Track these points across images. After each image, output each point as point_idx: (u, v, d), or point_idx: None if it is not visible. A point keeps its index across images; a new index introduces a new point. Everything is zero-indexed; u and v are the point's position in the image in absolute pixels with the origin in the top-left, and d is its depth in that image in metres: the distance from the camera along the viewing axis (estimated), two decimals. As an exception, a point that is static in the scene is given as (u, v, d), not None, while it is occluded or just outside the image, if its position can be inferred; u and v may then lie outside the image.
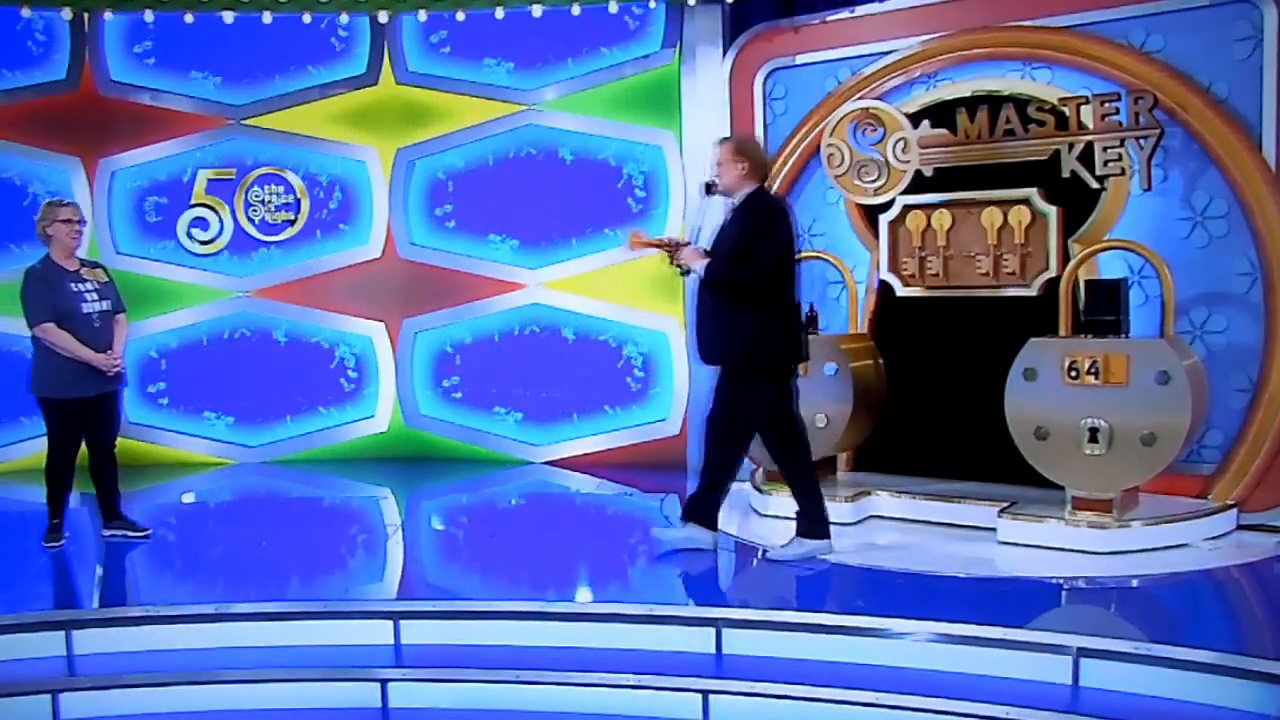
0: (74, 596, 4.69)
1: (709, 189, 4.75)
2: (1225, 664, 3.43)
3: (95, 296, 5.02)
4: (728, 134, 4.93)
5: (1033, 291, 5.23)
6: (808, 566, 4.62)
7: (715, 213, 4.83)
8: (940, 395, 5.65)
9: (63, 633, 4.14)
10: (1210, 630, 3.91)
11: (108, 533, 5.28)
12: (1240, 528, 4.97)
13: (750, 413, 4.68)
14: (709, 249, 4.69)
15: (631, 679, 3.88)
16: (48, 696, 3.93)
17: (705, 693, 3.81)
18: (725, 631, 4.01)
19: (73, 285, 4.97)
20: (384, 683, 3.99)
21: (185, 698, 4.00)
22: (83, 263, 5.12)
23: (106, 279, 5.16)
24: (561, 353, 7.21)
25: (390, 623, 4.20)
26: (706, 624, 4.04)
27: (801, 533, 4.72)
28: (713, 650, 4.01)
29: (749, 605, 4.20)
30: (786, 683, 3.75)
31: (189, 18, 6.83)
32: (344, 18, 7.13)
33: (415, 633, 4.20)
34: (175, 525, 5.95)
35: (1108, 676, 3.57)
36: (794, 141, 6.14)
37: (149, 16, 6.91)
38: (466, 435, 7.47)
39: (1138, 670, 3.53)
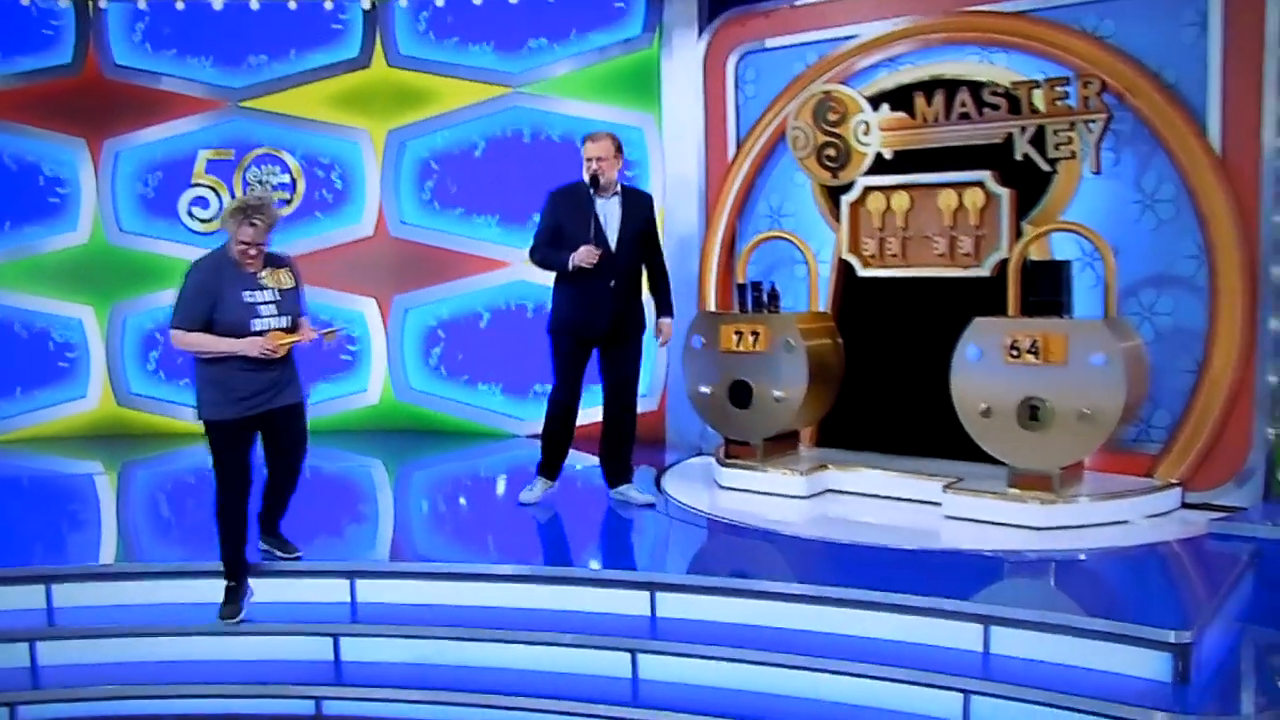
0: (58, 551, 4.97)
1: (595, 185, 5.02)
2: (1122, 632, 3.57)
3: (272, 310, 4.13)
4: (602, 129, 5.29)
5: (986, 272, 5.35)
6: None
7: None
8: (900, 373, 5.78)
9: (43, 586, 4.44)
10: (1121, 601, 4.08)
11: (262, 546, 4.55)
12: (1185, 506, 5.07)
13: (633, 373, 5.31)
14: (618, 243, 5.06)
15: (570, 638, 4.11)
16: (25, 645, 4.23)
17: (634, 651, 4.03)
18: (659, 595, 4.23)
19: (245, 294, 4.08)
20: (336, 637, 4.25)
21: (157, 648, 4.28)
22: (267, 260, 4.17)
23: (292, 283, 4.25)
24: (545, 329, 7.40)
25: (346, 581, 4.46)
26: (641, 587, 4.26)
27: (631, 479, 5.43)
28: (647, 613, 4.23)
29: (695, 573, 4.42)
30: (711, 644, 3.96)
31: (180, 4, 7.16)
32: (330, 3, 7.37)
33: (369, 591, 4.46)
34: (179, 493, 6.26)
35: (1017, 644, 3.73)
36: (763, 124, 6.27)
37: (142, 4, 7.23)
38: (454, 409, 7.72)
39: (1044, 638, 3.69)
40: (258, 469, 4.32)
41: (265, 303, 4.12)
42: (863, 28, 5.90)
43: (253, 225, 4.03)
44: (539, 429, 7.36)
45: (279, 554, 4.52)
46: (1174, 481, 5.10)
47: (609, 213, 5.07)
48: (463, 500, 6.13)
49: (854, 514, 5.19)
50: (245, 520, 4.24)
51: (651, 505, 5.30)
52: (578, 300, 5.08)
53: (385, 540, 5.30)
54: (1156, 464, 5.18)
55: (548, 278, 7.43)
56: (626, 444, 5.40)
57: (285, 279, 4.23)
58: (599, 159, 5.02)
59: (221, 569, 4.27)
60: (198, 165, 7.60)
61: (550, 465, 5.42)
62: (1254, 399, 4.97)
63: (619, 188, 5.13)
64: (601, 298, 5.04)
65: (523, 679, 4.05)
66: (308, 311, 4.40)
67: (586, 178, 5.06)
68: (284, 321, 4.17)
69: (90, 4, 7.40)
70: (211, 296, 4.03)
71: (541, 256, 5.17)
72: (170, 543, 5.21)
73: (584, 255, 4.93)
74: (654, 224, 5.28)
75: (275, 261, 4.22)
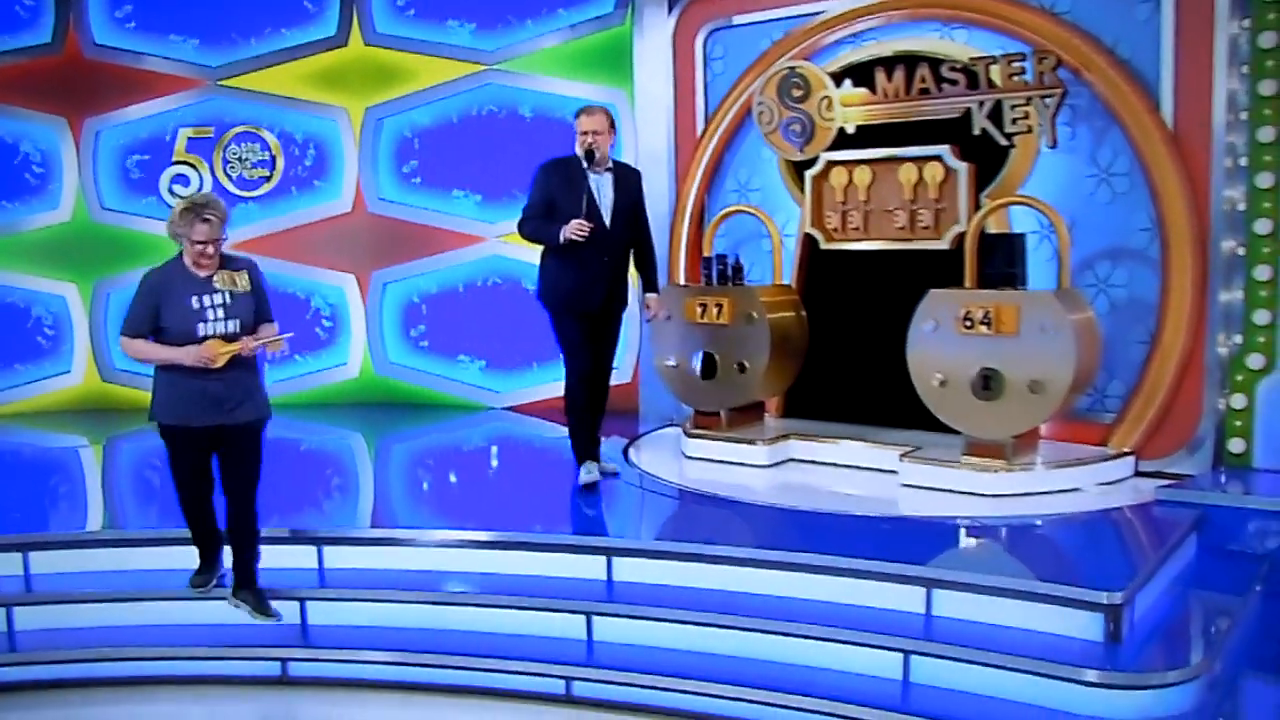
0: (39, 521, 5.10)
1: (591, 159, 4.98)
2: (1056, 594, 3.70)
3: (220, 314, 3.96)
4: (597, 104, 5.17)
5: (945, 245, 5.44)
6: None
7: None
8: (863, 345, 5.87)
9: (20, 554, 4.58)
10: (1061, 565, 4.21)
11: (233, 601, 4.24)
12: (1139, 474, 5.18)
13: (613, 350, 5.33)
14: (611, 218, 5.02)
15: (525, 601, 4.25)
16: (2, 610, 4.37)
17: (589, 614, 4.17)
18: (615, 559, 4.36)
19: (193, 300, 3.93)
20: (303, 601, 4.38)
21: (130, 613, 4.42)
22: (224, 262, 4.02)
23: (248, 286, 4.05)
24: (522, 303, 7.53)
25: (314, 548, 4.59)
26: (599, 552, 4.39)
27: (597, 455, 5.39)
28: (604, 577, 4.36)
29: (653, 539, 4.55)
30: (663, 607, 4.09)
31: None
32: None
33: (336, 558, 4.59)
34: (162, 466, 6.37)
35: (958, 606, 3.85)
36: (731, 99, 6.35)
37: None
38: (433, 382, 7.85)
39: (984, 600, 3.81)
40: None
41: (214, 306, 3.95)
42: (828, 4, 5.96)
43: (206, 221, 3.88)
44: (516, 401, 7.63)
45: (256, 614, 4.21)
46: (1127, 450, 5.21)
47: (602, 187, 5.02)
48: (435, 471, 6.25)
49: (813, 482, 5.31)
50: (209, 510, 4.23)
51: (616, 474, 5.40)
52: (571, 274, 5.02)
53: (356, 508, 5.44)
54: (1111, 433, 5.29)
55: (525, 253, 7.53)
56: (598, 417, 5.38)
57: (241, 281, 4.03)
58: (594, 133, 4.96)
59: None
60: (178, 143, 7.71)
61: (587, 447, 5.29)
62: (1204, 369, 5.07)
63: (611, 163, 5.09)
64: (596, 272, 5.01)
65: (482, 640, 4.18)
66: (272, 317, 4.16)
67: (581, 152, 4.98)
68: (233, 326, 3.98)
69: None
70: (156, 301, 3.93)
71: (532, 229, 5.07)
72: (149, 512, 5.32)
73: (574, 228, 4.85)
74: (643, 200, 5.25)
75: (233, 264, 4.06)
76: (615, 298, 5.17)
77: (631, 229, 5.17)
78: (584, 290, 5.03)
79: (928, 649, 3.71)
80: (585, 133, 4.97)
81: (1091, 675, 3.43)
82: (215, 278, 3.99)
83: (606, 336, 5.25)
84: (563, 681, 3.99)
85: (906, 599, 3.93)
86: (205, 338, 3.93)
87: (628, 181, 5.16)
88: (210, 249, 3.93)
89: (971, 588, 3.84)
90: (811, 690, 3.71)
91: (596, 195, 5.00)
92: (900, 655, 3.74)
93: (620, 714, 3.89)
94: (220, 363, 3.94)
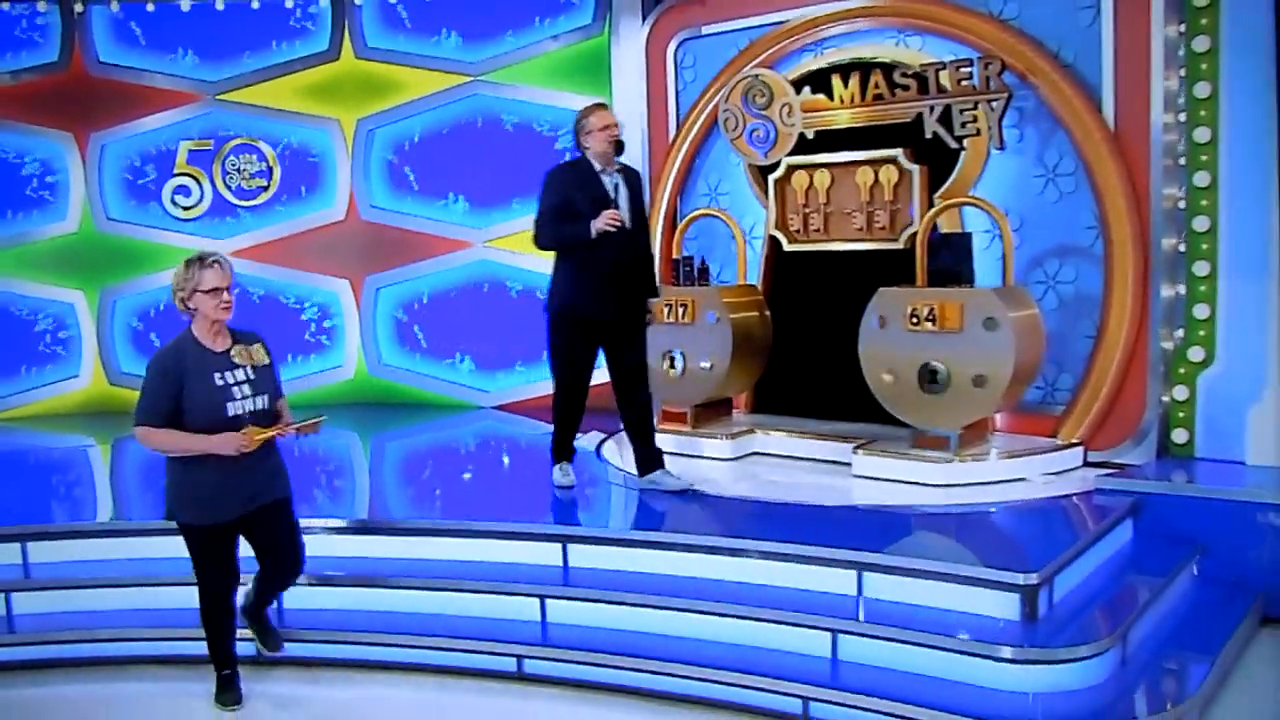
0: (44, 513, 5.42)
1: (620, 150, 4.84)
2: (977, 576, 3.90)
3: (248, 390, 3.72)
4: (593, 102, 5.01)
5: (900, 245, 5.64)
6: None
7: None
8: (826, 342, 6.07)
9: (19, 544, 4.89)
10: (989, 549, 4.40)
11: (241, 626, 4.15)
12: (1089, 464, 5.35)
13: (646, 358, 5.18)
14: (631, 218, 4.85)
15: (486, 585, 4.50)
16: (1, 596, 4.68)
17: (542, 598, 4.42)
18: (570, 546, 4.61)
19: (217, 376, 3.68)
20: (280, 589, 4.65)
21: (120, 598, 4.70)
22: (235, 337, 3.79)
23: (266, 360, 3.84)
24: (509, 305, 7.81)
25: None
26: (555, 540, 4.64)
27: (663, 464, 5.24)
28: (560, 563, 4.61)
29: (607, 527, 4.78)
30: (610, 590, 4.34)
31: (150, 6, 7.69)
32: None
33: (313, 547, 4.84)
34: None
35: (887, 588, 4.06)
36: (700, 107, 6.58)
37: (115, 7, 7.80)
38: (425, 382, 8.14)
39: (911, 583, 4.02)
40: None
41: (239, 383, 3.71)
42: (791, 13, 6.17)
43: (211, 266, 3.67)
44: (505, 400, 7.89)
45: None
46: (1075, 441, 5.39)
47: (618, 187, 4.85)
48: (418, 466, 6.53)
49: (773, 474, 5.52)
50: (233, 613, 4.02)
51: (686, 491, 5.09)
52: (592, 277, 4.78)
53: (334, 502, 5.71)
54: (1060, 425, 5.46)
55: (511, 257, 7.83)
56: (652, 430, 5.20)
57: (259, 355, 3.82)
58: (618, 125, 4.79)
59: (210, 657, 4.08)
60: (180, 156, 8.04)
61: (568, 449, 5.29)
62: (1148, 363, 5.24)
63: (618, 164, 4.87)
64: (623, 276, 4.83)
65: (440, 622, 4.43)
66: (284, 391, 3.97)
67: (606, 148, 4.76)
68: (261, 402, 3.75)
69: (74, 5, 7.85)
70: (176, 383, 3.62)
71: (553, 233, 4.78)
72: (147, 505, 5.63)
73: (608, 218, 4.63)
74: (644, 201, 5.08)
75: (246, 339, 3.83)
76: (639, 302, 4.97)
77: (644, 230, 5.04)
78: (607, 297, 4.81)
79: (853, 628, 3.91)
80: (608, 126, 4.76)
81: (1007, 652, 3.62)
82: (232, 352, 3.75)
83: (636, 347, 5.04)
84: (514, 660, 4.24)
85: (839, 582, 4.14)
86: (235, 416, 3.67)
87: (635, 182, 4.99)
88: (226, 295, 3.69)
89: (897, 570, 4.05)
90: (746, 667, 3.91)
91: (615, 195, 4.84)
92: (829, 634, 3.94)
93: (568, 690, 4.13)
94: (255, 446, 3.71)
